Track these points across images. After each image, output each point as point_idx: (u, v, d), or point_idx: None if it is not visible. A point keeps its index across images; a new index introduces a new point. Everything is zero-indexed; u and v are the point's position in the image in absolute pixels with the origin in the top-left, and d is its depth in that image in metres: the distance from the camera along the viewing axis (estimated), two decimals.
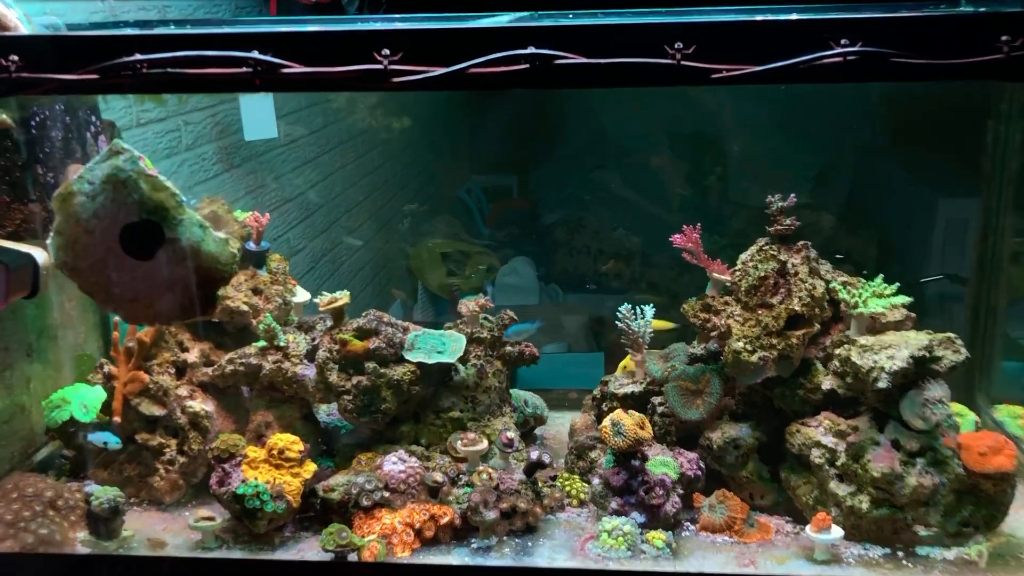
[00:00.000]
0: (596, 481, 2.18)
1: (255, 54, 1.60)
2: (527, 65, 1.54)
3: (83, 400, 2.28)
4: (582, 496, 2.25)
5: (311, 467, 2.16)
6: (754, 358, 2.09)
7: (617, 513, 2.12)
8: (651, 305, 2.38)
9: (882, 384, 1.97)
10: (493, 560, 2.03)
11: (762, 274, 2.13)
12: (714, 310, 2.20)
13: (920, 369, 1.98)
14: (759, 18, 1.53)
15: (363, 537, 2.04)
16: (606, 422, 2.14)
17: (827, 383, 2.12)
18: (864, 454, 2.01)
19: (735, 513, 2.12)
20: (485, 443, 2.20)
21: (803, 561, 2.01)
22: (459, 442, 2.19)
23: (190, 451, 2.23)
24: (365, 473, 2.13)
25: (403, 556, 2.05)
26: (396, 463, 2.15)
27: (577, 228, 4.82)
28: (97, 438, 2.15)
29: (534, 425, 2.57)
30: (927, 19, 1.50)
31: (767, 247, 2.18)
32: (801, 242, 2.21)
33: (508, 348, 2.42)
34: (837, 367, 2.10)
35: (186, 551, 2.10)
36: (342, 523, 2.07)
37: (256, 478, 2.09)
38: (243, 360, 2.22)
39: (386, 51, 1.57)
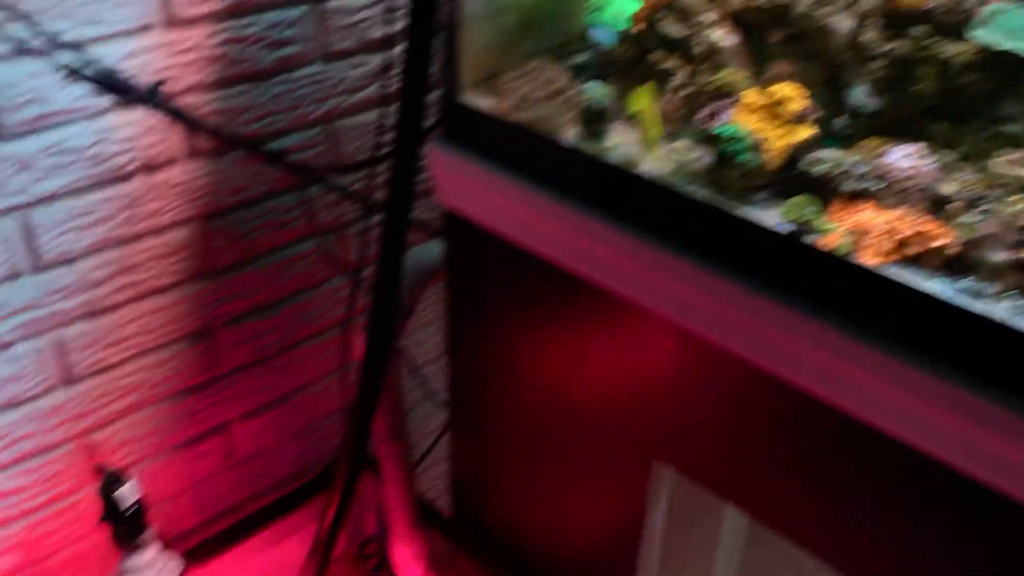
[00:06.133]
0: None
1: None
2: None
3: (620, 8, 2.23)
4: None
5: (805, 131, 1.84)
6: None
7: None
8: None
9: None
10: (968, 303, 1.56)
11: None
12: None
13: None
14: None
15: (831, 223, 1.73)
16: None
17: None
18: None
19: None
20: None
21: None
22: (1002, 158, 1.66)
23: (697, 83, 2.06)
24: (860, 156, 1.75)
25: (871, 262, 1.70)
26: (906, 157, 1.73)
27: None
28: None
29: None
30: None
31: None
32: None
33: None
34: None
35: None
36: (818, 203, 1.78)
37: (744, 124, 1.87)
38: None
39: None
